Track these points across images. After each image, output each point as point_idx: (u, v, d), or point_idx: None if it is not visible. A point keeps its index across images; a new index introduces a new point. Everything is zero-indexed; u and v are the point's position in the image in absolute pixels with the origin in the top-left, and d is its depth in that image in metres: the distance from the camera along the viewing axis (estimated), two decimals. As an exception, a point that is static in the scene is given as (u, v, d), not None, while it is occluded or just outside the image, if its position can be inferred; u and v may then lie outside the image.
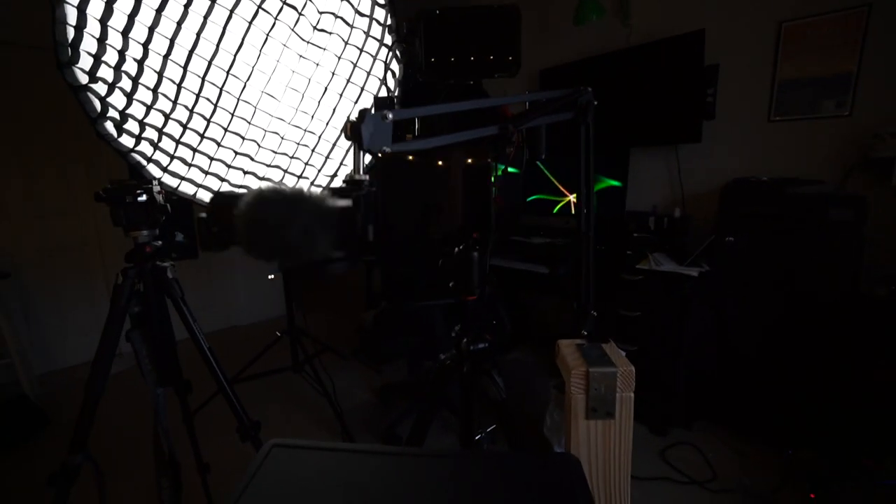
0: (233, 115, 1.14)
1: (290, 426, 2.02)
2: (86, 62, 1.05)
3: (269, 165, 1.25)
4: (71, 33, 0.97)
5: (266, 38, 1.06)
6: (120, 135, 1.13)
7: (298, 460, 0.57)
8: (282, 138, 1.23)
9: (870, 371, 1.29)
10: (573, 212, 2.38)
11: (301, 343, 2.09)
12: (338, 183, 1.38)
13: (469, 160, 0.66)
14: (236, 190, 1.20)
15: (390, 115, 0.57)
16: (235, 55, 1.06)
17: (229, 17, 1.00)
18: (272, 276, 3.41)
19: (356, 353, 2.62)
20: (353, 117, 0.58)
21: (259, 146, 1.19)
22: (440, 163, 0.64)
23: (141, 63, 1.05)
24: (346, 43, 1.16)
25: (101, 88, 1.07)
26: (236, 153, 1.18)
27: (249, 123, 1.17)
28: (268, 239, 0.31)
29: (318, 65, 1.17)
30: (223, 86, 1.11)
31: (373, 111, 0.51)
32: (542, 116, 0.58)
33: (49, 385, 2.42)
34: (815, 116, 1.85)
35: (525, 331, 2.74)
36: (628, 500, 0.62)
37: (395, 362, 2.49)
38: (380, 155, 0.61)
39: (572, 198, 2.40)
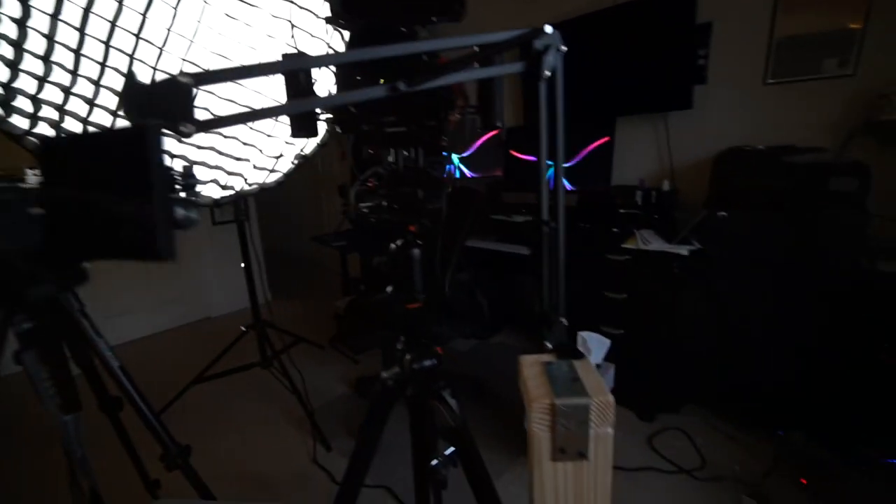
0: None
1: (259, 427, 1.91)
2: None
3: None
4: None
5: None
6: (9, 114, 0.95)
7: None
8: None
9: (873, 353, 1.20)
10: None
11: (268, 337, 1.95)
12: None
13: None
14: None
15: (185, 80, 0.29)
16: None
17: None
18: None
19: (333, 343, 2.50)
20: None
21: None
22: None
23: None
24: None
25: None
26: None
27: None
28: None
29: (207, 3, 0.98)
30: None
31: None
32: (469, 70, 0.43)
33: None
34: (816, 77, 1.70)
35: (510, 314, 2.63)
36: (607, 556, 0.50)
37: (373, 351, 2.37)
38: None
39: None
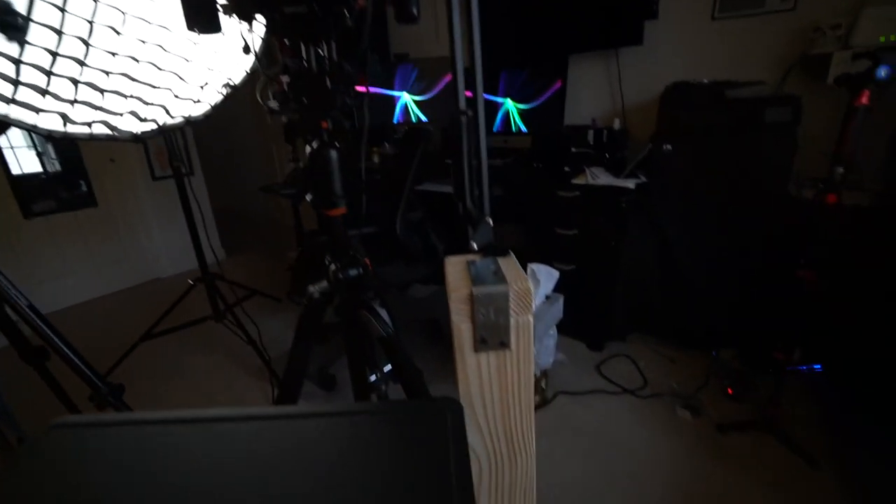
0: None
1: (215, 379, 1.88)
2: None
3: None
4: None
5: None
6: None
7: (85, 440, 0.42)
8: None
9: (791, 270, 1.30)
10: (514, 126, 2.20)
11: (218, 290, 1.88)
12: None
13: None
14: None
15: None
16: None
17: None
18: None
19: (290, 296, 2.45)
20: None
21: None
22: None
23: None
24: None
25: None
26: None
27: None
28: None
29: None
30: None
31: None
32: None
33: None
34: (760, 12, 1.71)
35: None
36: (532, 442, 0.53)
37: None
38: None
39: (512, 105, 2.19)
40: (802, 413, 1.47)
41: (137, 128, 1.09)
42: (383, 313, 0.58)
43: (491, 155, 2.32)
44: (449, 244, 2.09)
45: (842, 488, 1.21)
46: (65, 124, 0.99)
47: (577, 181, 1.70)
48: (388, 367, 0.67)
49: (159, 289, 2.94)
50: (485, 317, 0.46)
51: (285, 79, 0.50)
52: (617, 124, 1.96)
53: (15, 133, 2.41)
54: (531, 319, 0.47)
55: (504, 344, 0.47)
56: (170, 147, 1.77)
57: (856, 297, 1.43)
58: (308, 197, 0.53)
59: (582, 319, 1.86)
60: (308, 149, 0.51)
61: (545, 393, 1.62)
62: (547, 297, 1.43)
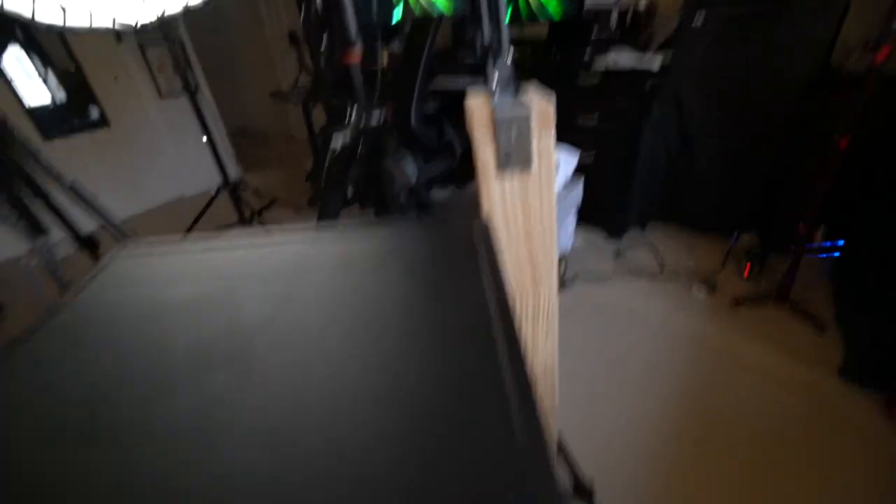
0: None
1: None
2: None
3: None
4: None
5: None
6: None
7: (155, 260, 0.47)
8: None
9: (826, 140, 1.24)
10: (526, 5, 2.02)
11: (240, 197, 1.94)
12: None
13: None
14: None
15: None
16: None
17: None
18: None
19: (310, 202, 2.50)
20: None
21: None
22: None
23: None
24: None
25: None
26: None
27: None
28: None
29: None
30: None
31: None
32: None
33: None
34: None
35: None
36: (554, 272, 0.57)
37: (351, 207, 2.39)
38: None
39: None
40: (815, 288, 1.50)
41: (137, 17, 1.06)
42: (409, 162, 0.59)
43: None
44: (466, 140, 2.04)
45: (844, 347, 1.27)
46: (64, 16, 0.96)
47: (599, 67, 1.60)
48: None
49: (185, 206, 3.02)
50: (507, 140, 0.47)
51: None
52: (642, 4, 1.78)
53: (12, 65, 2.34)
54: (552, 143, 0.48)
55: (527, 165, 0.49)
56: (173, 53, 1.71)
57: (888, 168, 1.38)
58: (323, 46, 0.52)
59: (602, 208, 1.86)
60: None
61: (564, 276, 1.68)
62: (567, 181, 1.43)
